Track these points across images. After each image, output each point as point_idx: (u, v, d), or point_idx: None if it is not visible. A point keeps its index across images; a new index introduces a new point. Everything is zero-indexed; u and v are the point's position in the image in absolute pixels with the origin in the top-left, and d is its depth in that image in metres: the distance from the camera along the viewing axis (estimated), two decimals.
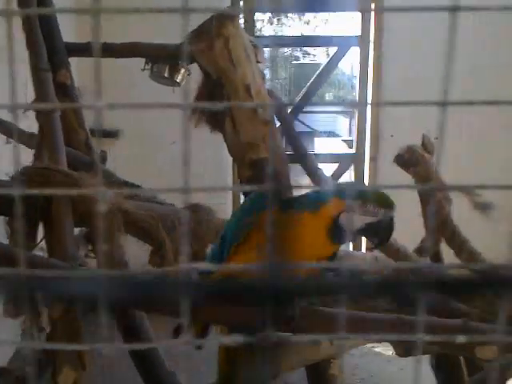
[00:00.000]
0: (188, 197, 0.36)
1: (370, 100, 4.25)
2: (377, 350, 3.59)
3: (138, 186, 2.37)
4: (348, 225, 1.19)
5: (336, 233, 1.20)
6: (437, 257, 2.08)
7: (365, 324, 1.26)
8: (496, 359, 1.69)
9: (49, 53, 2.11)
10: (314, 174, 2.27)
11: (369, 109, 4.26)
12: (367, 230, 1.21)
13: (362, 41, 4.19)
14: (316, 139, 9.97)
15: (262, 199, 1.22)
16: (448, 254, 1.89)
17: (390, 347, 2.29)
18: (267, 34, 8.43)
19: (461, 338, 0.38)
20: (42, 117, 1.83)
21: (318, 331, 1.30)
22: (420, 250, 1.94)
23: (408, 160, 1.84)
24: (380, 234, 1.22)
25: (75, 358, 1.30)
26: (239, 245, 1.24)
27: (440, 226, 1.79)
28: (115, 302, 0.33)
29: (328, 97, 12.47)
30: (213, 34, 1.75)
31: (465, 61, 3.93)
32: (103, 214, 1.57)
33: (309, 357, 2.02)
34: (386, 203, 1.20)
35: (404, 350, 2.23)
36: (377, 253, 2.41)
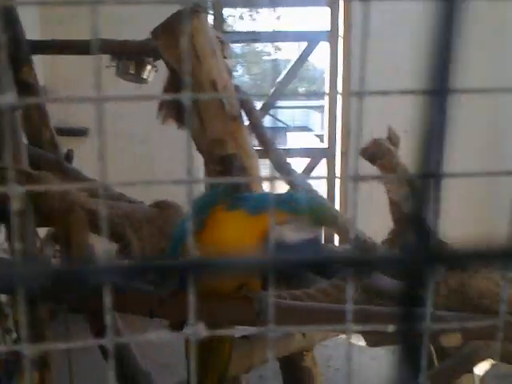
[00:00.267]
0: (106, 191, 0.35)
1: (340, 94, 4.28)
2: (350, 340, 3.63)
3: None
4: (278, 237, 1.15)
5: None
6: None
7: (329, 315, 1.27)
8: (462, 346, 1.72)
9: (10, 50, 2.06)
10: (282, 169, 2.27)
11: (339, 104, 4.29)
12: (293, 246, 1.17)
13: (332, 35, 4.21)
14: (289, 134, 10.01)
15: (212, 197, 1.20)
16: None
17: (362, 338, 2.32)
18: (239, 30, 8.42)
19: (391, 328, 0.38)
20: (1, 115, 1.78)
21: (285, 324, 1.31)
22: (388, 242, 1.96)
23: (374, 153, 1.85)
24: (304, 252, 1.17)
25: (39, 358, 1.28)
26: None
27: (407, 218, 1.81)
28: (32, 292, 0.32)
29: (301, 91, 12.49)
30: (177, 29, 1.73)
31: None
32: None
33: (281, 349, 2.04)
34: (315, 221, 1.17)
35: (373, 340, 2.26)
36: (347, 245, 2.43)
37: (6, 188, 0.31)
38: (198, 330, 0.32)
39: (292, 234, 1.16)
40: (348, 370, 0.42)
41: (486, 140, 4.17)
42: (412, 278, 0.36)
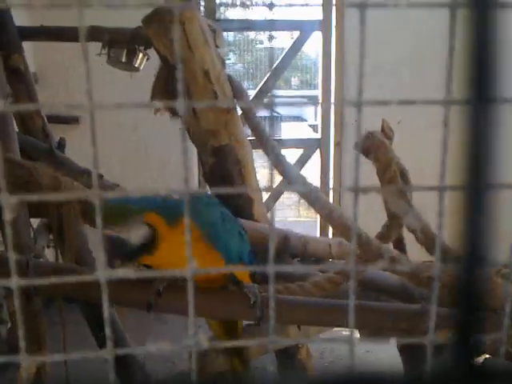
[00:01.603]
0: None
1: (333, 84, 4.25)
2: (345, 333, 3.65)
3: (101, 176, 2.32)
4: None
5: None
6: (399, 242, 2.10)
7: (328, 310, 1.27)
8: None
9: None
10: (276, 160, 2.24)
11: (333, 94, 4.26)
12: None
13: (324, 25, 4.18)
14: (282, 124, 9.98)
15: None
16: (409, 239, 1.91)
17: (357, 331, 2.33)
18: (231, 18, 8.34)
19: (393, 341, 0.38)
20: None
21: (283, 319, 1.30)
22: (382, 236, 1.95)
23: (368, 146, 1.84)
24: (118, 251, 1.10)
25: (35, 346, 1.27)
26: None
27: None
28: None
29: (294, 81, 12.46)
30: (168, 17, 1.70)
31: None
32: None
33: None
34: (112, 221, 1.09)
35: (368, 333, 2.27)
36: (341, 238, 2.42)
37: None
38: (199, 340, 0.30)
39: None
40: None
41: None
42: None
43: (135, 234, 1.09)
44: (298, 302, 1.29)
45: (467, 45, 0.29)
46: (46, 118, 2.44)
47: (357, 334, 2.33)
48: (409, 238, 1.87)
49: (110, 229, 1.07)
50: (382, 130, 1.80)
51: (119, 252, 1.09)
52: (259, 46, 12.97)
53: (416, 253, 1.74)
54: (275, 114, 10.28)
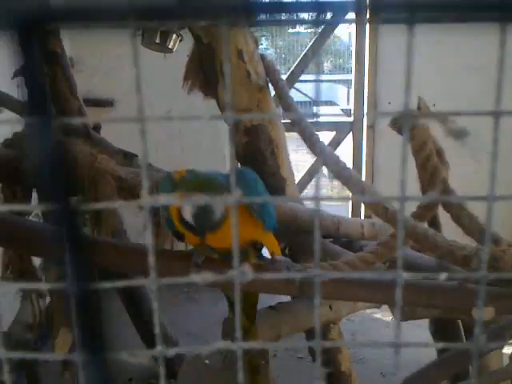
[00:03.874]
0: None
1: (366, 68, 4.19)
2: (376, 315, 3.63)
3: (135, 155, 2.36)
4: (184, 215, 1.17)
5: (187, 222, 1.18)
6: (434, 221, 2.07)
7: (361, 285, 1.26)
8: (494, 321, 1.69)
9: None
10: (311, 142, 2.22)
11: (366, 77, 4.21)
12: (194, 220, 1.16)
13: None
14: (315, 108, 9.90)
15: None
16: (444, 218, 1.88)
17: (389, 313, 2.31)
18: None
19: (443, 276, 0.37)
20: (29, 83, 1.80)
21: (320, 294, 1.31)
22: (417, 215, 1.93)
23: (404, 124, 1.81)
24: (199, 222, 1.16)
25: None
26: None
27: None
28: None
29: (326, 65, 12.32)
30: None
31: None
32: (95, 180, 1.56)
33: (308, 321, 2.04)
34: (199, 189, 1.15)
35: (403, 314, 2.25)
36: (374, 218, 2.40)
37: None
38: (244, 271, 0.31)
39: (185, 209, 1.17)
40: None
41: None
42: None
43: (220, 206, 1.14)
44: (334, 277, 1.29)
45: None
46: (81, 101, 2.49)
47: (390, 316, 2.32)
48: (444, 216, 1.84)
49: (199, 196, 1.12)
50: (418, 108, 1.77)
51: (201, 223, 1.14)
52: (291, 30, 12.85)
53: (452, 232, 1.72)
54: (307, 99, 10.20)
